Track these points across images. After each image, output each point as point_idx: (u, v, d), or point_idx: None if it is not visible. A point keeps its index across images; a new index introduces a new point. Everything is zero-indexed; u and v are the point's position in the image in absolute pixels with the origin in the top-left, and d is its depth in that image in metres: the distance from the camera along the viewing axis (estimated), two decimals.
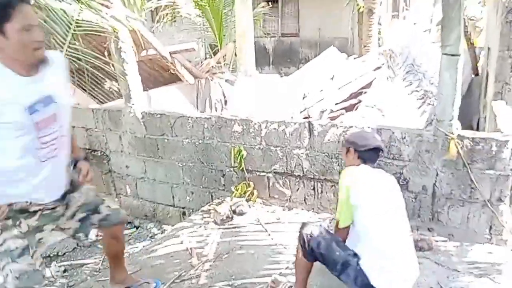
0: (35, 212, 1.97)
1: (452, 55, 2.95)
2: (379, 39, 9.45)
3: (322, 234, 2.19)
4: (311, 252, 2.18)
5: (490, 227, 3.09)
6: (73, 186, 2.15)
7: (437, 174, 3.19)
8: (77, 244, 4.07)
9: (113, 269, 2.59)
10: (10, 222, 1.88)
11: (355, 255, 2.09)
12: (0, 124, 1.72)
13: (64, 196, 2.08)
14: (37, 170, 1.87)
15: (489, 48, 6.59)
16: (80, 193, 2.17)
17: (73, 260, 3.73)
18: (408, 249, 2.15)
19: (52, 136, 1.87)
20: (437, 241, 3.15)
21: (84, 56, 4.12)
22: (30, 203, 1.92)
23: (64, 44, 4.01)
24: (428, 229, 3.30)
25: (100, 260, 3.71)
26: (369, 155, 2.23)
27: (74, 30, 3.97)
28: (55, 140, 1.89)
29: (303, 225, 2.29)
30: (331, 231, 2.29)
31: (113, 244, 2.45)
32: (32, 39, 1.71)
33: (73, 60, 4.17)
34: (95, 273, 3.43)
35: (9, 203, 1.83)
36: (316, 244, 2.15)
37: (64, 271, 3.56)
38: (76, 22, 3.98)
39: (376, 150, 2.24)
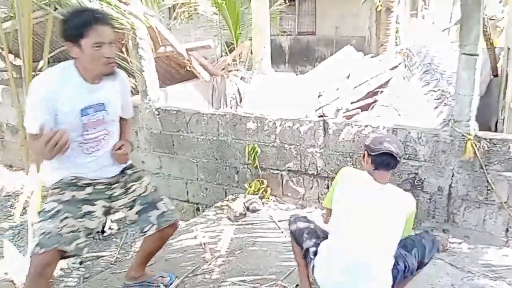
0: (85, 186, 2.19)
1: (471, 54, 2.91)
2: (396, 38, 9.37)
3: (301, 222, 2.40)
4: (291, 234, 2.42)
5: (507, 230, 3.04)
6: (136, 176, 2.39)
7: (453, 175, 3.15)
8: (93, 237, 4.13)
9: (134, 265, 2.64)
10: (57, 190, 2.14)
11: (317, 246, 2.21)
12: (59, 118, 2.02)
13: (124, 183, 2.31)
14: (80, 159, 2.15)
15: (509, 49, 6.47)
16: (140, 184, 2.38)
17: (89, 252, 3.79)
18: (368, 266, 2.04)
19: (95, 135, 2.15)
20: (452, 242, 3.12)
21: None
22: (76, 177, 2.16)
23: None
24: (443, 230, 3.27)
25: (115, 253, 3.77)
26: (381, 160, 2.14)
27: None
28: (98, 138, 2.17)
29: (295, 214, 2.54)
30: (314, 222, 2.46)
31: (154, 244, 2.49)
32: (101, 54, 1.98)
33: None
34: (111, 265, 3.49)
35: (60, 178, 2.14)
36: (294, 228, 2.39)
37: (80, 263, 3.63)
38: None
39: (389, 155, 2.13)
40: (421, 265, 2.20)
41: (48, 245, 1.97)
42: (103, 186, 2.25)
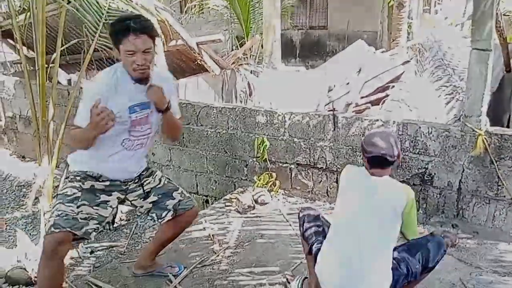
0: (104, 181, 2.32)
1: (483, 50, 2.89)
2: (408, 33, 9.27)
3: (310, 216, 2.40)
4: (299, 228, 2.44)
5: None
6: (149, 172, 2.51)
7: (463, 170, 3.14)
8: (104, 228, 4.19)
9: (146, 254, 2.72)
10: (78, 178, 2.27)
11: (320, 243, 2.22)
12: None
13: (138, 178, 2.43)
14: (119, 156, 2.28)
15: None
16: (153, 178, 2.50)
17: (100, 242, 3.85)
18: (362, 263, 2.03)
19: (141, 133, 2.31)
20: (461, 238, 3.11)
21: None
22: (101, 175, 2.29)
23: (95, 33, 4.12)
24: (452, 225, 3.26)
25: (125, 244, 3.82)
26: (374, 161, 2.12)
27: (105, 20, 4.06)
28: (142, 138, 2.32)
29: (306, 206, 2.58)
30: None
31: (170, 232, 2.58)
32: (132, 61, 2.12)
33: (103, 49, 4.28)
34: (120, 255, 3.54)
35: (86, 170, 2.28)
36: (302, 221, 2.41)
37: (91, 252, 3.68)
38: (107, 12, 4.07)
39: (381, 158, 2.10)
40: (425, 269, 2.15)
41: (63, 226, 2.09)
42: (120, 183, 2.38)
